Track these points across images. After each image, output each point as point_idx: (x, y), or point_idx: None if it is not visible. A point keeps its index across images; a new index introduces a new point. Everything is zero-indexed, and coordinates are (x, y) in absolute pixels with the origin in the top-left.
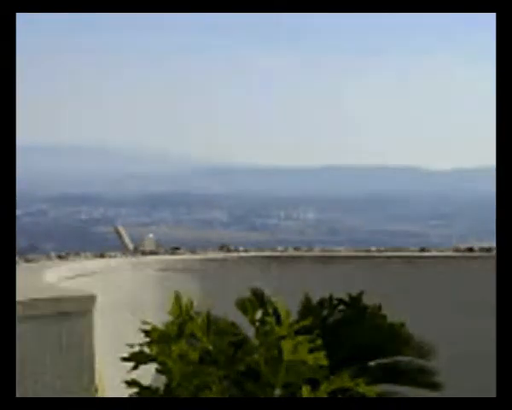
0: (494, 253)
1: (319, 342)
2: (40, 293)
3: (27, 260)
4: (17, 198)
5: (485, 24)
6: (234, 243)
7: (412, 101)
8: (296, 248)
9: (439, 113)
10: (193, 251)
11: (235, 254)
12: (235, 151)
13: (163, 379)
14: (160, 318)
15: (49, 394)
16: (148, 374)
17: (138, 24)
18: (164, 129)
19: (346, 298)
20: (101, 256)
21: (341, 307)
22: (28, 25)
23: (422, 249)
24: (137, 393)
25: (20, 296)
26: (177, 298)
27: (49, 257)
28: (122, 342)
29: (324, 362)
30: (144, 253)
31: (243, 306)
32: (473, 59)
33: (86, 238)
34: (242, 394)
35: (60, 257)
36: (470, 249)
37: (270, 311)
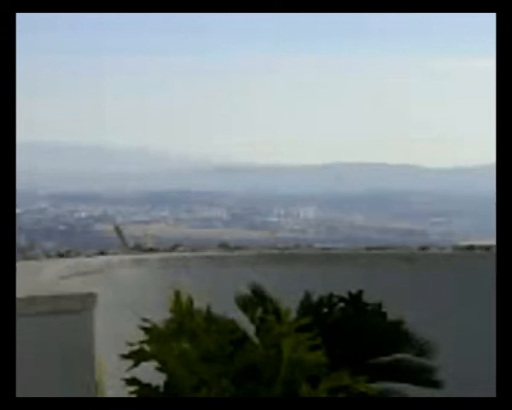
0: (494, 251)
1: (319, 340)
2: (40, 291)
3: (27, 258)
4: (17, 196)
5: (485, 23)
6: (234, 241)
7: (412, 99)
8: (296, 247)
9: (440, 111)
10: (193, 249)
11: (234, 253)
12: (235, 150)
13: (163, 377)
14: (160, 315)
15: (48, 394)
16: (148, 372)
17: (138, 24)
18: (164, 129)
19: (346, 296)
20: (102, 254)
21: (341, 305)
22: (28, 25)
23: (422, 248)
24: (137, 391)
25: (19, 294)
26: (177, 296)
27: (49, 255)
28: (122, 340)
29: (324, 360)
30: (144, 251)
31: (243, 304)
32: (474, 57)
33: (86, 236)
34: (242, 392)
35: (60, 255)
36: (470, 248)
37: (270, 309)
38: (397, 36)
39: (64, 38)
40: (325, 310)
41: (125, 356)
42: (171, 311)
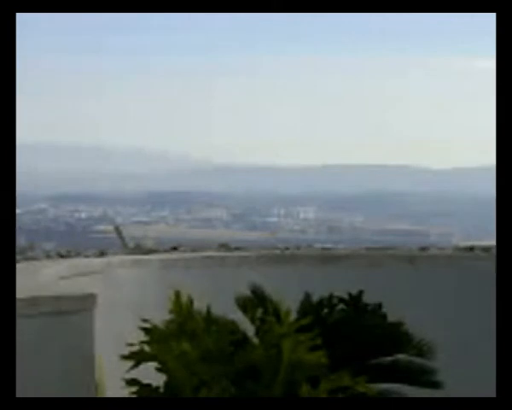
0: (494, 252)
1: (319, 340)
2: (40, 291)
3: (27, 259)
4: (17, 197)
5: (485, 23)
6: (234, 242)
7: (412, 99)
8: (296, 247)
9: (439, 112)
10: (193, 250)
11: (234, 253)
12: (235, 150)
13: (163, 377)
14: (160, 316)
15: (48, 394)
16: (149, 372)
17: (138, 24)
18: (164, 129)
19: (346, 297)
20: (102, 255)
21: (341, 305)
22: (28, 25)
23: (422, 249)
24: (137, 391)
25: (19, 295)
26: (177, 296)
27: (49, 256)
28: (122, 341)
29: (324, 361)
30: (144, 251)
31: (243, 305)
32: (474, 57)
33: (86, 237)
34: (242, 392)
35: (60, 255)
36: (470, 248)
37: (271, 310)
38: (397, 36)
39: (64, 38)
40: (325, 311)
41: (125, 357)
42: (172, 311)
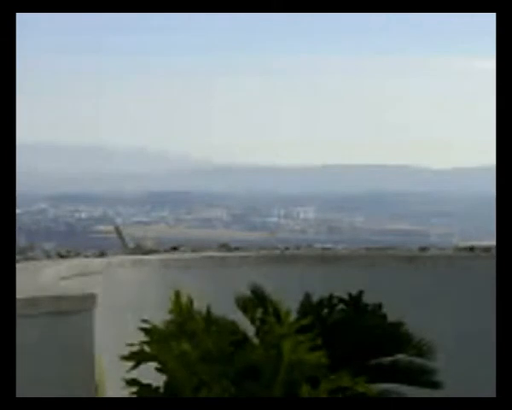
0: (494, 252)
1: (319, 341)
2: (40, 291)
3: (27, 259)
4: (17, 197)
5: (485, 23)
6: (234, 242)
7: (412, 99)
8: (296, 247)
9: (439, 112)
10: (193, 250)
11: (234, 253)
12: (235, 150)
13: (163, 378)
14: (160, 316)
15: (48, 394)
16: (149, 373)
17: (138, 24)
18: (164, 129)
19: (346, 297)
20: (102, 255)
21: (341, 306)
22: (28, 25)
23: (422, 249)
24: (137, 391)
25: (19, 295)
26: (177, 297)
27: (49, 256)
28: (122, 341)
29: (324, 361)
30: (144, 251)
31: (243, 305)
32: (474, 57)
33: (86, 237)
34: (242, 392)
35: (60, 256)
36: (470, 249)
37: (271, 310)
38: (397, 36)
39: (64, 38)
40: (325, 311)
41: (125, 357)
42: (171, 311)
